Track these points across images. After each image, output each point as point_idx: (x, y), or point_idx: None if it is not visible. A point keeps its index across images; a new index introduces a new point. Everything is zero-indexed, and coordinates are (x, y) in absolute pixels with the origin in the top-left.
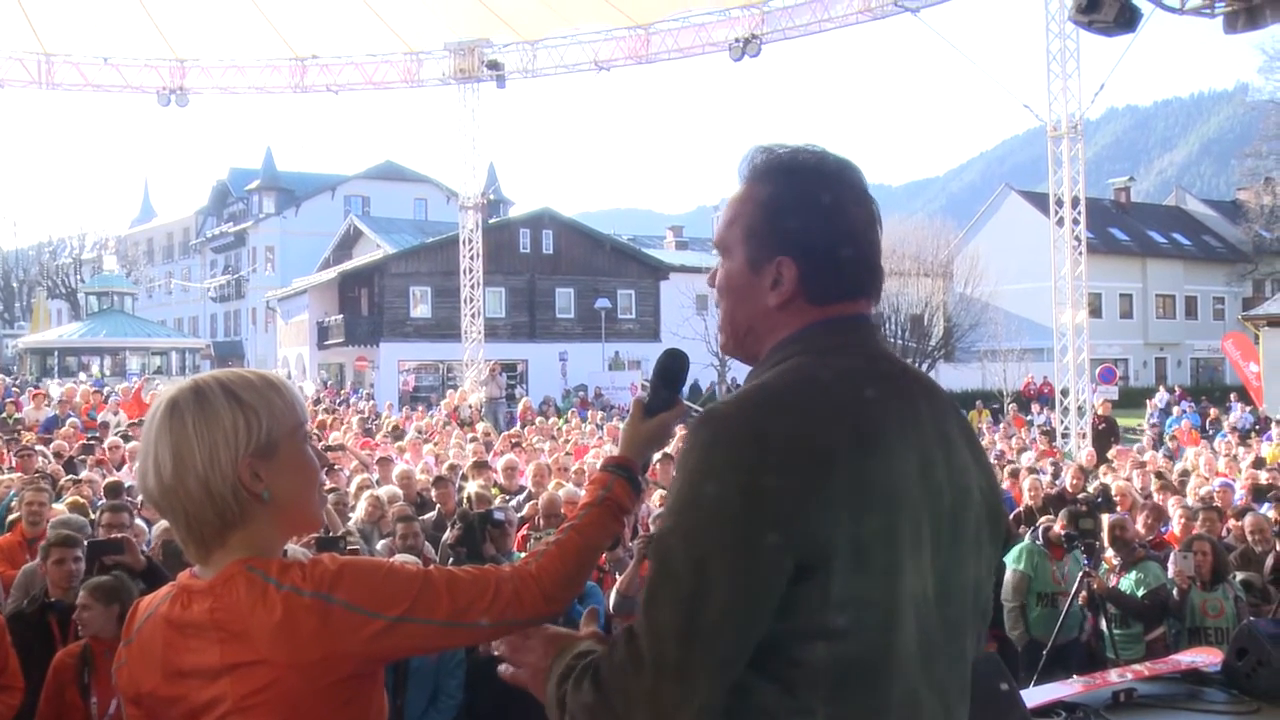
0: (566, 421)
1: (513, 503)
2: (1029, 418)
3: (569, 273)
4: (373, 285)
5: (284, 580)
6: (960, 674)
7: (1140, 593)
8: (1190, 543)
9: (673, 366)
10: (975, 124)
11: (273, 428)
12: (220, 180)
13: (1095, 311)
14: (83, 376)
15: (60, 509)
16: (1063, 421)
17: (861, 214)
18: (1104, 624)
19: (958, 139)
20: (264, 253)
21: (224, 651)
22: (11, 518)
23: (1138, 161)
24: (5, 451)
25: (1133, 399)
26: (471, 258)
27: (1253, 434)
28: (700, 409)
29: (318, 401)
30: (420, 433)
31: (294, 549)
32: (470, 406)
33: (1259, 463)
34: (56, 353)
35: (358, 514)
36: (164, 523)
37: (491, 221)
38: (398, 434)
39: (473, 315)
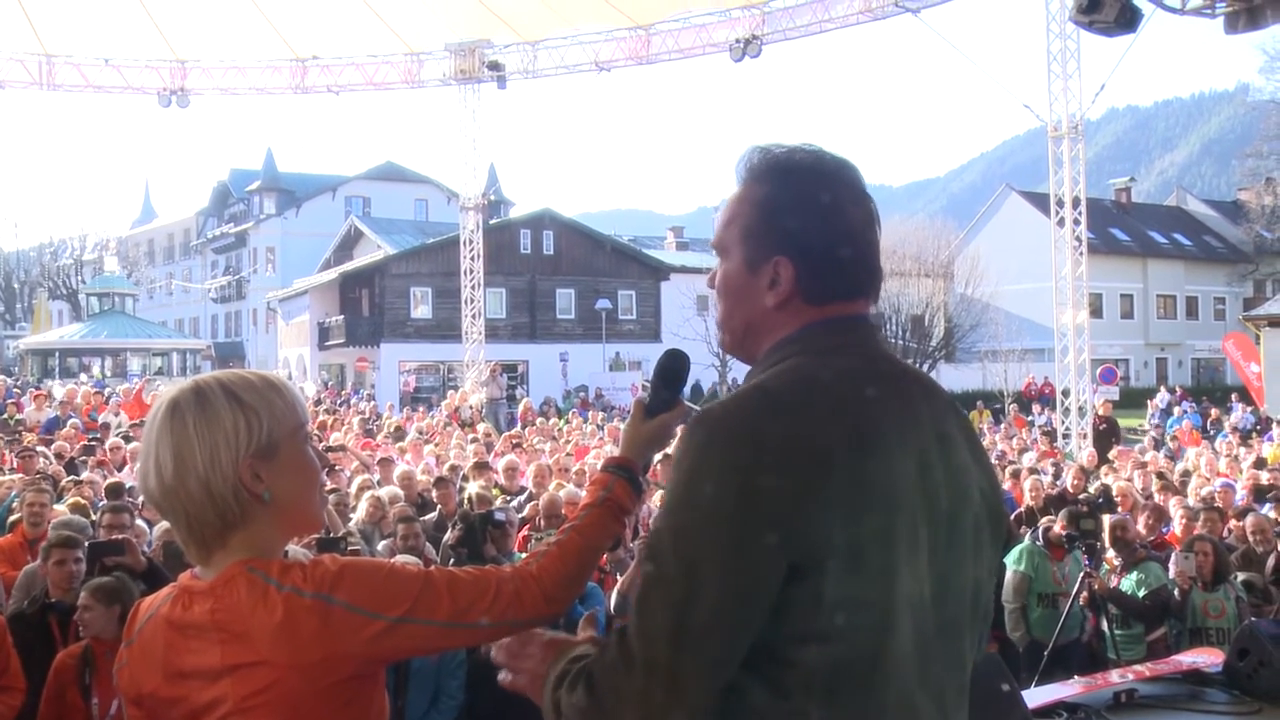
0: (567, 422)
1: (513, 503)
2: (1030, 418)
3: (569, 273)
4: (373, 286)
5: (285, 581)
6: (958, 677)
7: (1141, 593)
8: (1191, 543)
9: (673, 367)
10: (976, 124)
11: (274, 428)
12: (221, 181)
13: (1096, 312)
14: (84, 377)
15: (61, 510)
16: (1064, 422)
17: (859, 214)
18: (1105, 624)
19: (958, 139)
20: (265, 253)
21: (225, 652)
22: (13, 519)
23: (1138, 162)
24: (6, 452)
25: (1134, 399)
26: (472, 258)
27: (1254, 434)
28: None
29: (318, 402)
30: (421, 433)
31: (295, 550)
32: (471, 407)
33: (1260, 463)
34: (57, 354)
35: (359, 515)
36: (165, 524)
37: (492, 222)
38: (399, 435)
39: (473, 316)
